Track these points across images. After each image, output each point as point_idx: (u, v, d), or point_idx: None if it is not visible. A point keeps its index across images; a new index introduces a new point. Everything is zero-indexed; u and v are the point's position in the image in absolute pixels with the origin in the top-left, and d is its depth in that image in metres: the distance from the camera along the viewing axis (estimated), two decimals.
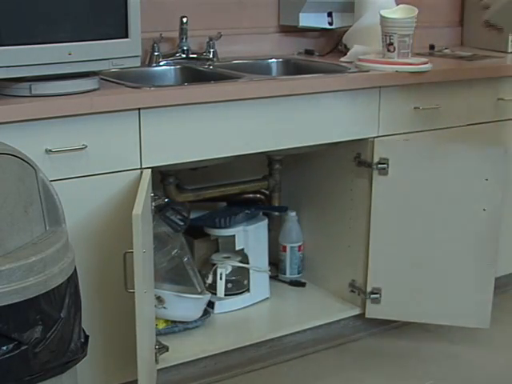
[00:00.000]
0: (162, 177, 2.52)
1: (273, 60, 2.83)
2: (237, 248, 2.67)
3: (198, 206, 2.67)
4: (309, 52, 2.92)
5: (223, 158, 2.31)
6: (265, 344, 2.50)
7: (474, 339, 2.10)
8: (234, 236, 2.66)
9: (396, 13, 2.50)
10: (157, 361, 2.26)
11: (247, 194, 2.77)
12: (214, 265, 2.62)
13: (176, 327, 2.49)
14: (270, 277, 2.77)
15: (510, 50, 3.06)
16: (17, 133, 1.90)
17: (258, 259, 2.69)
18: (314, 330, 2.61)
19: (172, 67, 2.65)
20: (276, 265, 2.88)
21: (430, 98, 2.57)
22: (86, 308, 1.89)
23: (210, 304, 2.60)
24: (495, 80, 2.73)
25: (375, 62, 2.51)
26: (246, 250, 2.67)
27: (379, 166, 2.46)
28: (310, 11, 2.84)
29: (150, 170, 2.11)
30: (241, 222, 2.65)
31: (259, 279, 2.70)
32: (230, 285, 2.65)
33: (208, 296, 2.54)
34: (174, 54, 2.67)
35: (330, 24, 2.89)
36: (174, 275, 2.49)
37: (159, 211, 2.38)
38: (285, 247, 2.84)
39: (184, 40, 2.66)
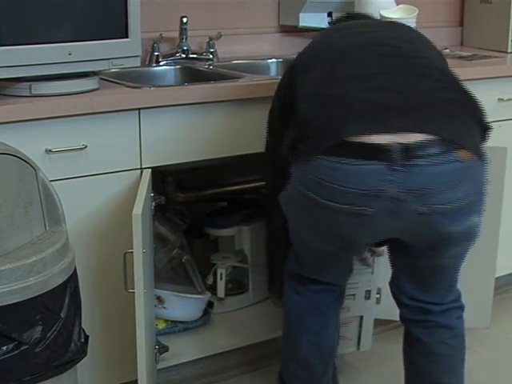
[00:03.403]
0: (162, 177, 2.52)
1: (273, 60, 2.83)
2: (236, 248, 2.67)
3: (198, 206, 2.67)
4: None
5: (223, 158, 2.31)
6: (265, 344, 2.49)
7: (474, 339, 2.10)
8: (233, 236, 2.66)
9: (396, 13, 2.51)
10: (157, 361, 2.26)
11: (247, 194, 2.77)
12: (214, 265, 2.62)
13: (176, 327, 2.49)
14: (270, 277, 2.77)
15: (510, 50, 3.07)
16: (17, 133, 1.90)
17: (258, 259, 2.69)
18: None
19: (172, 67, 2.65)
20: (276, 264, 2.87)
21: None
22: (86, 308, 1.90)
23: (210, 304, 2.61)
24: (495, 80, 2.73)
25: None
26: (245, 250, 2.67)
27: None
28: (310, 11, 2.84)
29: (149, 170, 2.11)
30: (240, 222, 2.65)
31: (259, 279, 2.70)
32: (230, 285, 2.65)
33: (208, 296, 2.54)
34: (173, 54, 2.67)
35: (330, 24, 2.88)
36: (174, 275, 2.49)
37: (159, 211, 2.38)
38: None
39: (184, 40, 2.66)
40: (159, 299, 2.39)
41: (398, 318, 2.09)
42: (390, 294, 2.07)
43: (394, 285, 2.03)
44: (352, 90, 1.70)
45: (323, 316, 2.03)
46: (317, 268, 2.01)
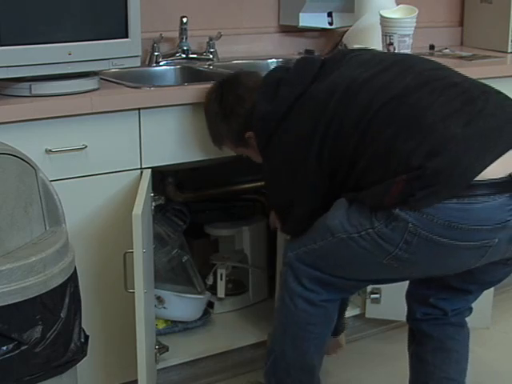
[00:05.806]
0: (162, 177, 2.52)
1: (273, 60, 2.83)
2: (236, 248, 2.67)
3: (198, 206, 2.67)
4: (309, 52, 2.92)
5: (223, 158, 2.31)
6: (264, 344, 2.49)
7: (474, 339, 2.10)
8: (233, 236, 2.66)
9: (396, 13, 2.50)
10: (157, 361, 2.26)
11: (247, 193, 2.77)
12: (214, 265, 2.62)
13: (176, 327, 2.49)
14: (270, 277, 2.77)
15: (510, 50, 3.07)
16: (17, 133, 1.90)
17: (258, 259, 2.69)
18: None
19: (172, 67, 2.65)
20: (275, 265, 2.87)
21: None
22: (86, 308, 1.90)
23: (210, 304, 2.61)
24: (495, 80, 2.72)
25: None
26: (245, 250, 2.67)
27: None
28: (310, 11, 2.84)
29: (149, 170, 2.11)
30: (240, 222, 2.65)
31: (259, 279, 2.71)
32: (229, 285, 2.65)
33: (208, 296, 2.54)
34: (174, 54, 2.67)
35: (330, 24, 2.89)
36: (173, 275, 2.49)
37: (159, 211, 2.38)
38: None
39: (184, 40, 2.66)
40: (159, 299, 2.39)
41: (398, 318, 2.09)
42: (391, 295, 2.07)
43: (419, 295, 2.05)
44: (451, 129, 1.68)
45: (333, 322, 2.01)
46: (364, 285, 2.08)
